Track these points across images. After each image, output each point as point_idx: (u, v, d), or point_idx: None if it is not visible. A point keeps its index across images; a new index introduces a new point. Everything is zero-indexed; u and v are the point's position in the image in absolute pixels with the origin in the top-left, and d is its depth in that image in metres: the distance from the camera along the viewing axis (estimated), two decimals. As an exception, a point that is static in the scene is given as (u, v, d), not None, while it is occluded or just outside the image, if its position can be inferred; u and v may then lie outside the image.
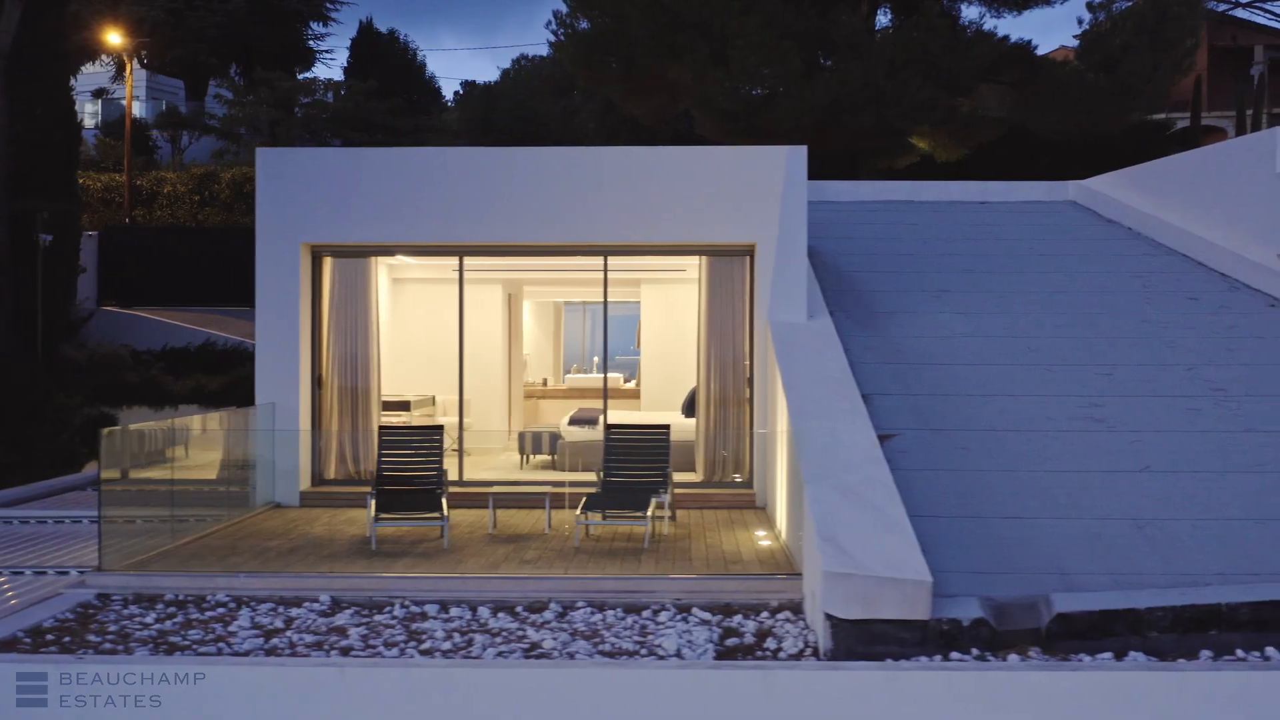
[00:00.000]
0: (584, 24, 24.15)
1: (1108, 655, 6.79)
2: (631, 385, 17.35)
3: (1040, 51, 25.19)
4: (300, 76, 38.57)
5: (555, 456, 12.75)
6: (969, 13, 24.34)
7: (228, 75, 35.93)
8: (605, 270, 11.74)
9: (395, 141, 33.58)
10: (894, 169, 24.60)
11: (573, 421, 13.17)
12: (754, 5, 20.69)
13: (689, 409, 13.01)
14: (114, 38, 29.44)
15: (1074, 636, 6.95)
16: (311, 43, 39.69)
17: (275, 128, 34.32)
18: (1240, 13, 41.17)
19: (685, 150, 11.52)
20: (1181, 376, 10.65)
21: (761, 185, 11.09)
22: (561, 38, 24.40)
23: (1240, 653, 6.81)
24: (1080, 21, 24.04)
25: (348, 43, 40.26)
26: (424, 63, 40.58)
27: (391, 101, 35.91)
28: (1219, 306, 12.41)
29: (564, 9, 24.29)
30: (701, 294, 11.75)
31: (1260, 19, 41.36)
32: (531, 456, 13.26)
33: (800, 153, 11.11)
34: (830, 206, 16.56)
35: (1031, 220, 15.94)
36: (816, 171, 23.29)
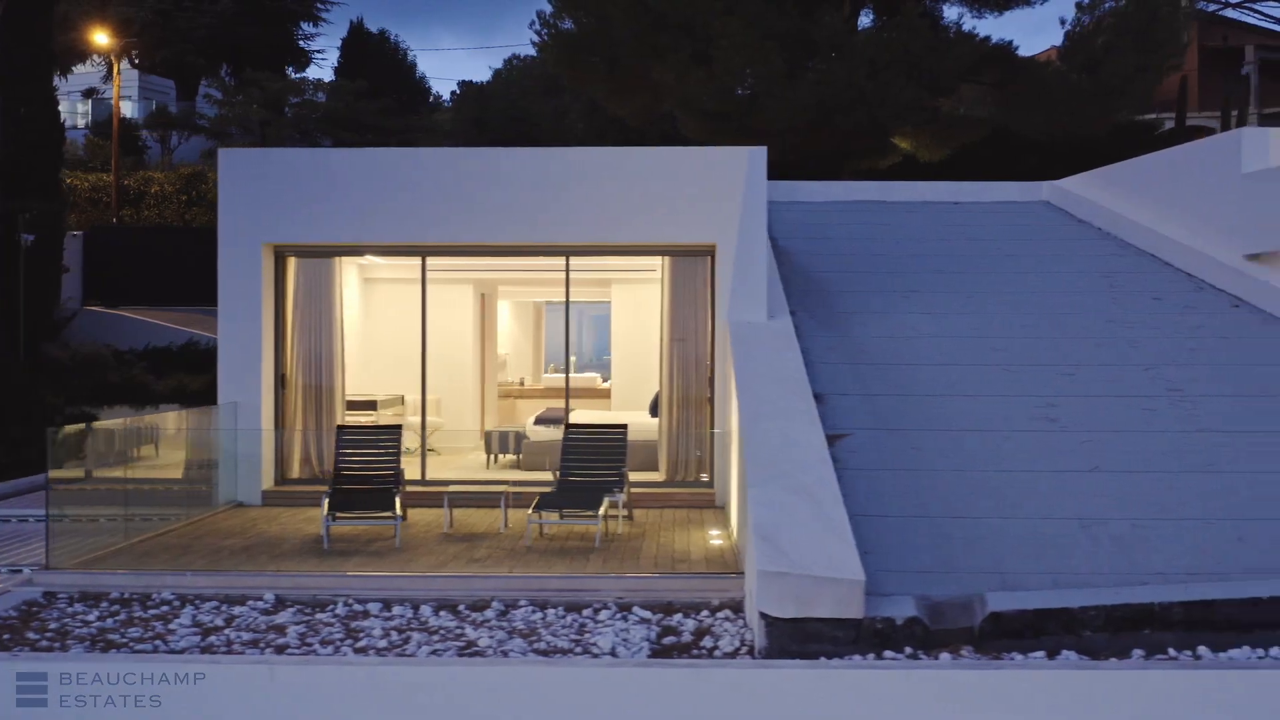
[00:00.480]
0: (568, 24, 24.19)
1: (1040, 654, 6.82)
2: (608, 385, 17.38)
3: (1032, 53, 25.21)
4: (295, 77, 38.65)
5: (520, 456, 12.78)
6: (950, 13, 24.31)
7: (218, 76, 35.96)
8: (567, 270, 11.77)
9: (384, 141, 33.62)
10: (876, 169, 24.59)
11: (538, 421, 13.20)
12: (736, 6, 20.70)
13: (655, 409, 13.04)
14: (101, 38, 29.46)
15: (1008, 635, 6.97)
16: (304, 43, 39.72)
17: (265, 128, 34.38)
18: (1231, 13, 41.11)
19: (646, 151, 11.55)
20: (1141, 376, 10.67)
21: (722, 186, 11.11)
22: (545, 38, 24.43)
23: (1172, 651, 6.83)
24: (1063, 22, 24.12)
25: (339, 43, 40.30)
26: (414, 63, 40.65)
27: (381, 102, 35.96)
28: (1184, 307, 12.42)
29: (548, 9, 24.35)
30: (664, 294, 11.78)
31: (1251, 19, 41.31)
32: (499, 456, 13.29)
33: (760, 154, 11.13)
34: (803, 207, 16.60)
35: (1004, 220, 15.96)
36: (799, 173, 23.31)
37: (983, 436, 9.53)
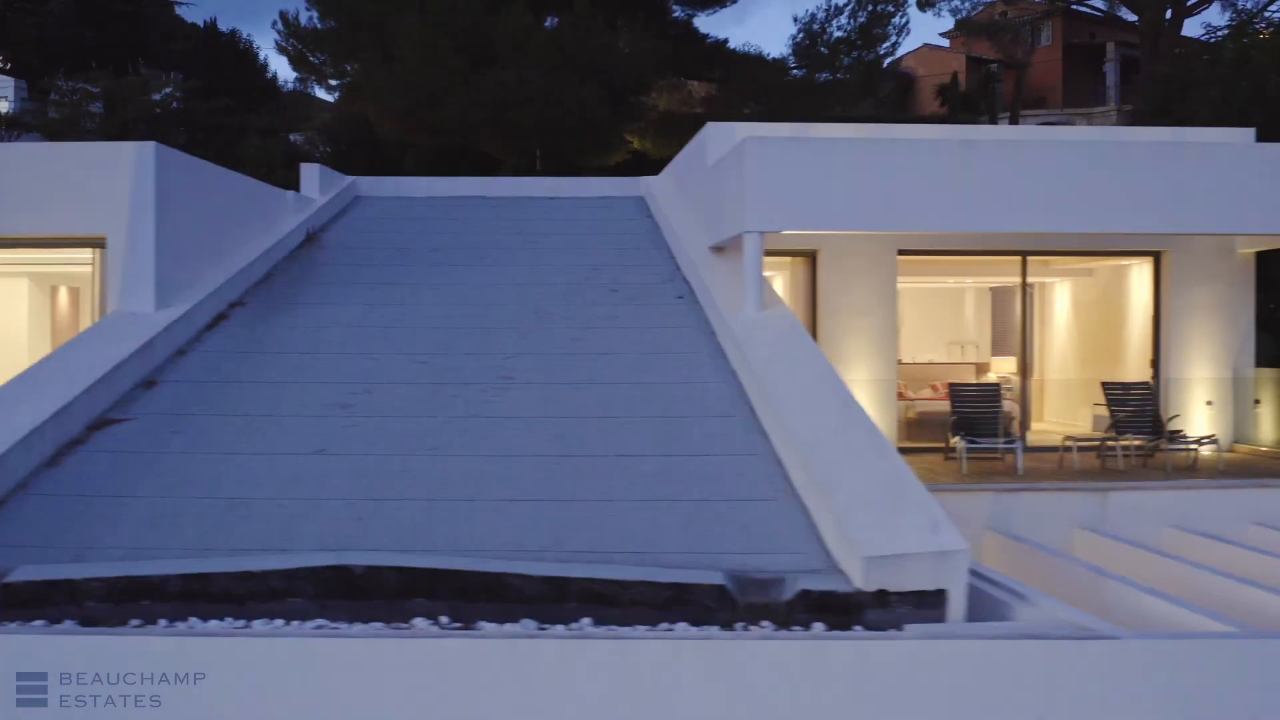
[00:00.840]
0: (302, 23, 24.73)
1: (43, 622, 7.16)
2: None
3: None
4: (145, 74, 39.36)
5: None
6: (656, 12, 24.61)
7: (53, 75, 36.71)
8: (-16, 262, 12.22)
9: (214, 139, 34.25)
10: (605, 166, 24.90)
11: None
12: (423, 5, 21.12)
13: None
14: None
15: (18, 605, 7.31)
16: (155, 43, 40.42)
17: (102, 126, 35.08)
18: (1082, 8, 40.95)
19: (28, 146, 11.96)
20: (489, 365, 10.94)
21: (110, 180, 11.48)
22: (283, 36, 24.96)
23: (164, 622, 7.14)
24: (796, 19, 24.42)
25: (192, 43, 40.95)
26: (266, 61, 41.30)
27: (219, 101, 36.57)
28: (627, 299, 12.70)
29: (290, 11, 24.88)
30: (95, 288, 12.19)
31: (1098, 13, 41.13)
32: None
33: (148, 149, 11.49)
34: (399, 202, 17.03)
35: (577, 216, 16.27)
36: (529, 169, 23.40)
37: (252, 421, 9.82)
